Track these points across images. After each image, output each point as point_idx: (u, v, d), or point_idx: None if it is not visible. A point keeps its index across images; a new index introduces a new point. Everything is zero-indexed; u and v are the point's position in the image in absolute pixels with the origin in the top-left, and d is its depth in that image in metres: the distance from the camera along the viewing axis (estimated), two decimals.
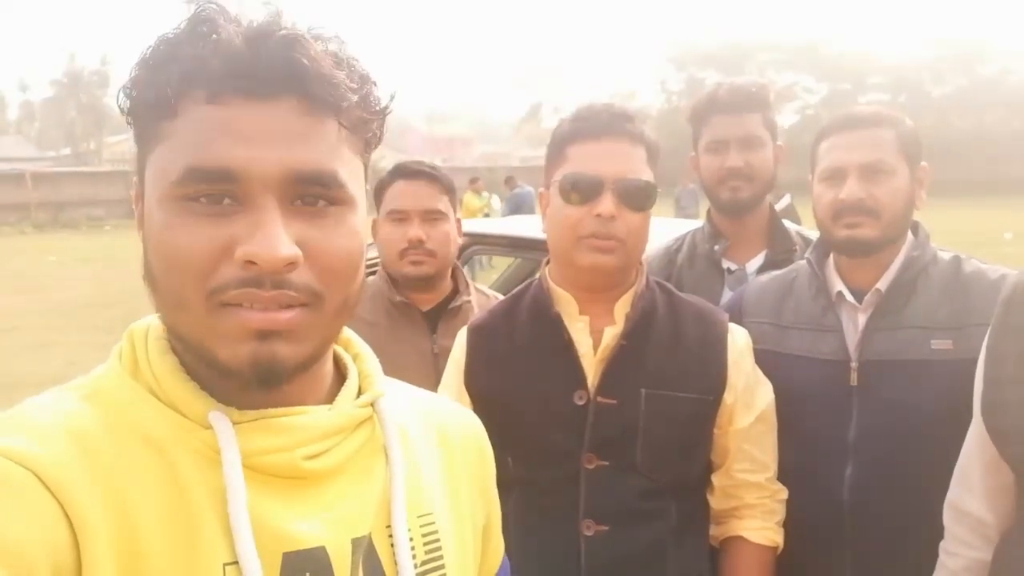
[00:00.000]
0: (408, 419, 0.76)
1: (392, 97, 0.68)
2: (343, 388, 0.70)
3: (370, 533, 0.67)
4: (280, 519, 0.61)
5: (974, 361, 1.33)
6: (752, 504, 1.37)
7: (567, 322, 1.31)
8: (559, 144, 1.32)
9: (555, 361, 1.30)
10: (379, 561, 0.67)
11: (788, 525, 1.44)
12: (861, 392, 1.40)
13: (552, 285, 1.35)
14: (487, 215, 12.34)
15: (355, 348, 0.76)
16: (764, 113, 1.83)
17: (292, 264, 0.58)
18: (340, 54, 0.63)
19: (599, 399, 1.27)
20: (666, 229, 2.48)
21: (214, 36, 0.59)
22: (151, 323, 0.68)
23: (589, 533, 1.25)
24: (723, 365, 1.33)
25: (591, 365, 1.29)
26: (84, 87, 47.38)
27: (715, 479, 1.38)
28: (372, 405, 0.71)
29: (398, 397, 0.77)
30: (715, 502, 1.38)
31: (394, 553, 0.67)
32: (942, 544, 1.28)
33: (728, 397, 1.33)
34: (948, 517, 1.27)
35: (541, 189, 1.39)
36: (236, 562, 0.58)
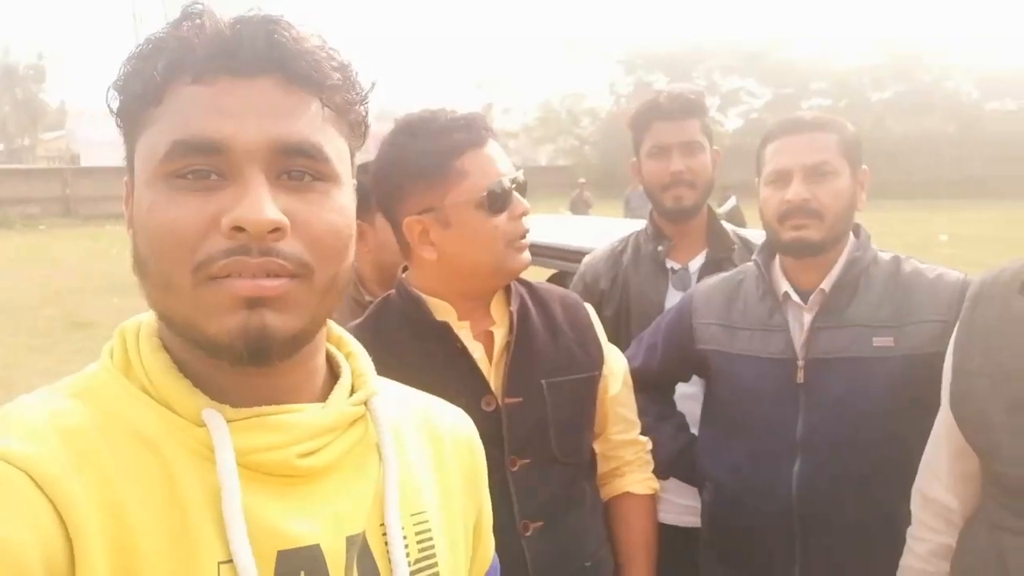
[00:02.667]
0: (400, 417, 0.77)
1: (373, 84, 0.69)
2: (336, 386, 0.71)
3: (364, 531, 0.67)
4: (274, 517, 0.61)
5: (915, 357, 1.38)
6: (630, 460, 1.44)
7: (455, 330, 1.28)
8: (455, 153, 1.25)
9: (452, 372, 1.25)
10: (373, 559, 0.67)
11: (740, 517, 1.47)
12: (807, 389, 1.43)
13: (423, 295, 1.30)
14: None
15: (348, 347, 0.77)
16: (702, 119, 1.91)
17: (279, 231, 0.58)
18: (321, 39, 0.65)
19: (507, 400, 1.27)
20: (610, 229, 2.51)
21: (198, 25, 0.61)
22: (142, 321, 0.68)
23: (528, 533, 1.26)
24: (598, 342, 1.40)
25: (488, 369, 1.28)
26: (19, 82, 45.87)
27: (596, 447, 1.43)
28: (365, 403, 0.72)
29: (390, 396, 0.78)
30: (598, 467, 1.44)
31: (388, 551, 0.68)
32: (909, 530, 1.33)
33: (605, 370, 1.39)
34: (915, 504, 1.32)
35: (413, 217, 1.29)
36: (231, 560, 0.58)
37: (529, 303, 1.38)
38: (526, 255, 1.29)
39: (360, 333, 1.34)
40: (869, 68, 43.03)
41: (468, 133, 1.24)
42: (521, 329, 1.32)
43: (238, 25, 0.61)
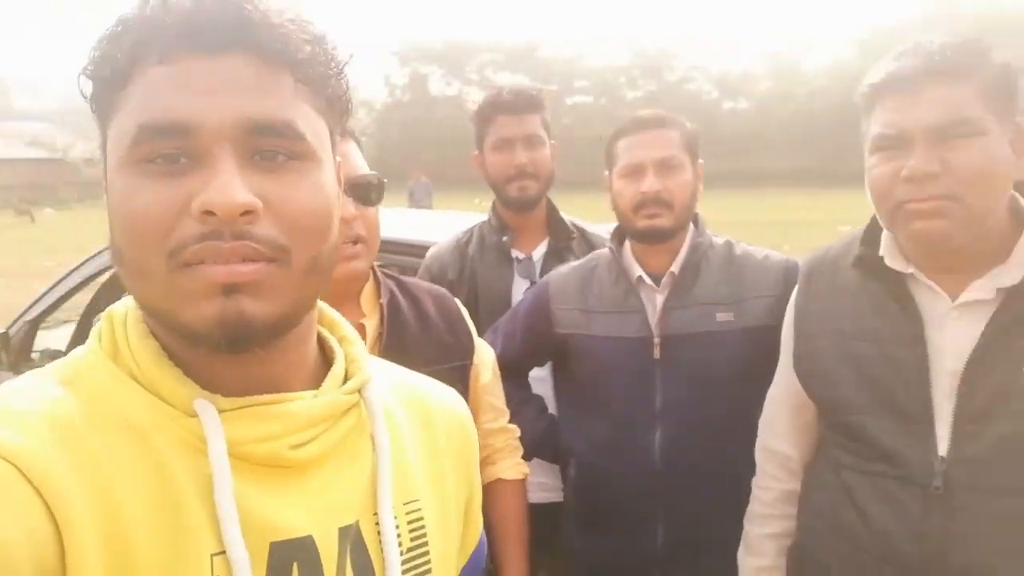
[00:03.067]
0: (393, 403, 0.76)
1: (351, 56, 0.66)
2: (330, 373, 0.69)
3: (357, 521, 0.67)
4: (267, 508, 0.61)
5: (752, 329, 1.56)
6: (500, 448, 1.49)
7: None
8: None
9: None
10: (366, 549, 0.67)
11: (607, 487, 1.57)
12: (663, 364, 1.57)
13: None
14: None
15: (341, 330, 0.75)
16: (542, 114, 2.00)
17: (250, 213, 0.56)
18: (293, 11, 0.62)
19: None
20: (452, 222, 2.54)
21: (163, 2, 0.58)
22: (130, 305, 0.66)
23: None
24: (468, 332, 1.44)
25: None
26: None
27: None
28: (359, 391, 0.70)
29: (383, 379, 0.76)
30: None
31: (381, 541, 0.67)
32: (754, 480, 1.49)
33: (475, 359, 1.44)
34: (759, 457, 1.48)
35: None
36: (223, 552, 0.58)
37: (399, 296, 1.39)
38: (353, 264, 1.25)
39: None
40: (624, 68, 46.57)
41: None
42: (392, 321, 1.33)
43: (204, 1, 0.58)
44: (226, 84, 0.58)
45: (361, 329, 1.30)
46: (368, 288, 1.35)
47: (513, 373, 1.73)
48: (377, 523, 0.68)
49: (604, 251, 1.72)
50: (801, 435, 1.43)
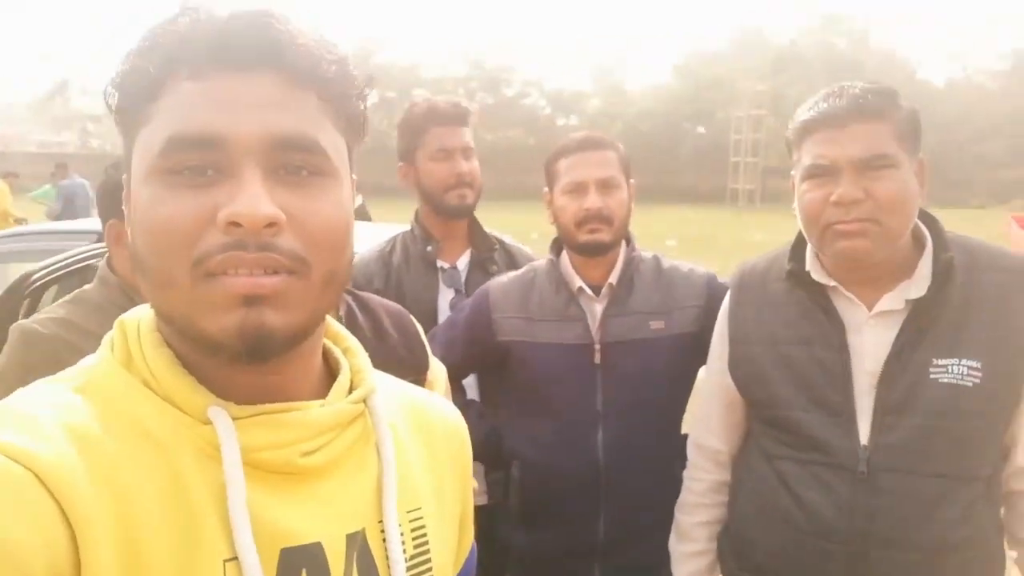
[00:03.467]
0: (395, 413, 0.78)
1: (371, 78, 0.69)
2: (335, 383, 0.71)
3: (364, 528, 0.68)
4: (278, 515, 0.62)
5: (680, 336, 1.71)
6: None
7: None
8: None
9: None
10: (372, 556, 0.68)
11: (553, 484, 1.66)
12: (604, 369, 1.68)
13: None
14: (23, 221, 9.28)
15: (345, 342, 0.77)
16: (471, 127, 2.05)
17: (274, 225, 0.58)
18: (318, 32, 0.65)
19: None
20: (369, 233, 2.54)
21: (195, 19, 0.61)
22: (141, 315, 0.67)
23: None
24: (423, 346, 1.50)
25: None
26: None
27: None
28: (364, 401, 0.72)
29: (385, 391, 0.78)
30: None
31: (386, 549, 0.69)
32: (686, 473, 1.62)
33: (429, 374, 1.49)
34: (691, 452, 1.62)
35: None
36: (235, 558, 0.59)
37: (355, 309, 1.42)
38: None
39: None
40: (462, 79, 47.14)
41: None
42: (352, 334, 1.34)
43: (234, 19, 0.61)
44: (254, 100, 0.60)
45: None
46: None
47: (452, 380, 1.78)
48: (382, 530, 0.69)
49: (540, 263, 1.81)
50: (730, 431, 1.59)
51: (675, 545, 1.65)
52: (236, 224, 0.57)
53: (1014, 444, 1.36)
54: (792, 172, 1.44)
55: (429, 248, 2.02)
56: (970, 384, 1.30)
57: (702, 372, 1.71)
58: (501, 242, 2.15)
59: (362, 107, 0.68)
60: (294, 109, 0.61)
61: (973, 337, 1.32)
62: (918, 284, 1.35)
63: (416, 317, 1.97)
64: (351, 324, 1.37)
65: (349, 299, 1.43)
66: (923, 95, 52.36)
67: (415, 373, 1.43)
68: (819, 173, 1.35)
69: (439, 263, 2.03)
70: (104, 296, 1.63)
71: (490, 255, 2.08)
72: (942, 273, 1.34)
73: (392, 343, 1.43)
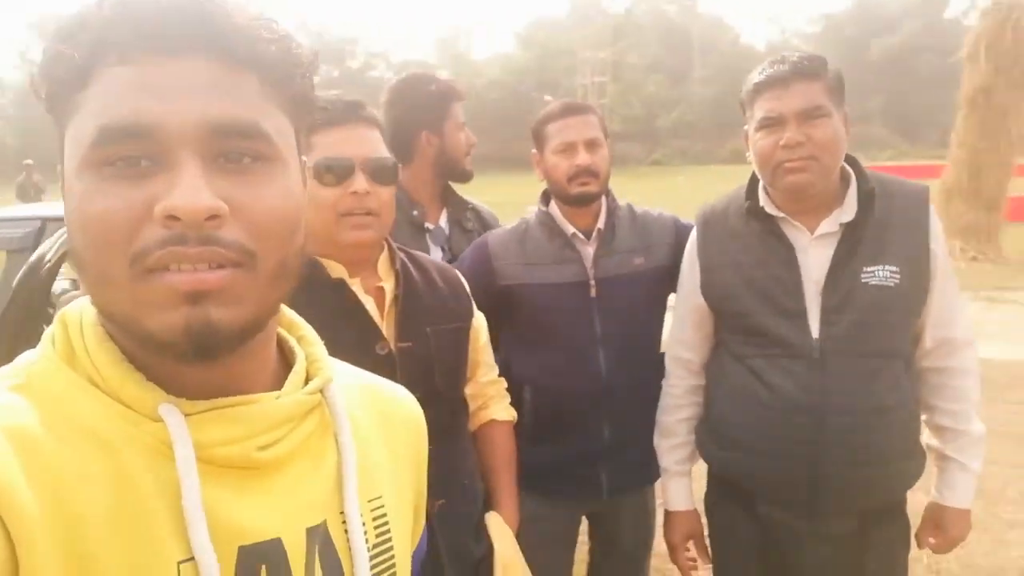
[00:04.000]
0: (353, 402, 0.76)
1: (316, 54, 0.66)
2: (291, 374, 0.69)
3: (325, 521, 0.67)
4: (234, 512, 0.60)
5: (657, 269, 2.06)
6: (493, 395, 1.77)
7: (350, 286, 1.47)
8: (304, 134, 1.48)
9: (348, 322, 1.44)
10: (334, 548, 0.67)
11: (561, 404, 1.96)
12: (599, 301, 2.00)
13: (317, 257, 1.46)
14: None
15: (299, 330, 0.74)
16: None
17: (216, 217, 0.55)
18: (258, 10, 0.62)
19: (399, 345, 1.48)
20: None
21: (123, 0, 0.57)
22: (83, 307, 0.64)
23: None
24: (468, 298, 1.68)
25: (379, 319, 1.48)
26: None
27: (467, 390, 1.69)
28: (321, 391, 0.70)
29: (343, 379, 0.77)
30: (468, 406, 1.72)
31: (348, 539, 0.68)
32: (664, 381, 1.98)
33: (474, 322, 1.68)
34: (669, 363, 1.97)
35: None
36: (191, 559, 0.57)
37: (409, 265, 1.60)
38: (357, 233, 1.43)
39: None
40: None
41: (332, 113, 1.43)
42: (407, 284, 1.54)
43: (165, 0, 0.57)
44: (189, 85, 0.56)
45: (380, 292, 1.51)
46: (383, 257, 1.56)
47: None
48: (344, 521, 0.68)
49: (530, 216, 2.10)
50: (701, 344, 1.95)
51: (659, 441, 2.01)
52: (174, 218, 0.54)
53: (922, 330, 1.79)
54: (744, 127, 1.81)
55: (415, 212, 2.24)
56: (892, 284, 1.72)
57: (671, 299, 2.07)
58: (468, 203, 2.41)
59: (309, 86, 0.66)
60: (232, 93, 0.58)
61: (891, 248, 1.73)
62: (847, 210, 1.75)
63: None
64: (407, 276, 1.54)
65: (403, 256, 1.59)
66: (747, 57, 56.19)
67: (462, 320, 1.63)
68: (769, 124, 1.72)
69: (426, 224, 2.26)
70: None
71: (464, 214, 2.34)
72: (865, 200, 1.74)
73: (442, 294, 1.60)
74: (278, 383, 0.68)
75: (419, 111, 2.25)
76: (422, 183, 2.29)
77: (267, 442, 0.63)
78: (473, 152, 2.33)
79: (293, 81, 0.63)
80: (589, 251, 2.03)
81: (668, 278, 2.03)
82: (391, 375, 1.40)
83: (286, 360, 0.71)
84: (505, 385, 1.83)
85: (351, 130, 1.43)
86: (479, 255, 2.06)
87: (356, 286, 1.48)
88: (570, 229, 2.04)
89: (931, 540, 1.89)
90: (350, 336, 1.43)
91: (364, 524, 0.70)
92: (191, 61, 0.57)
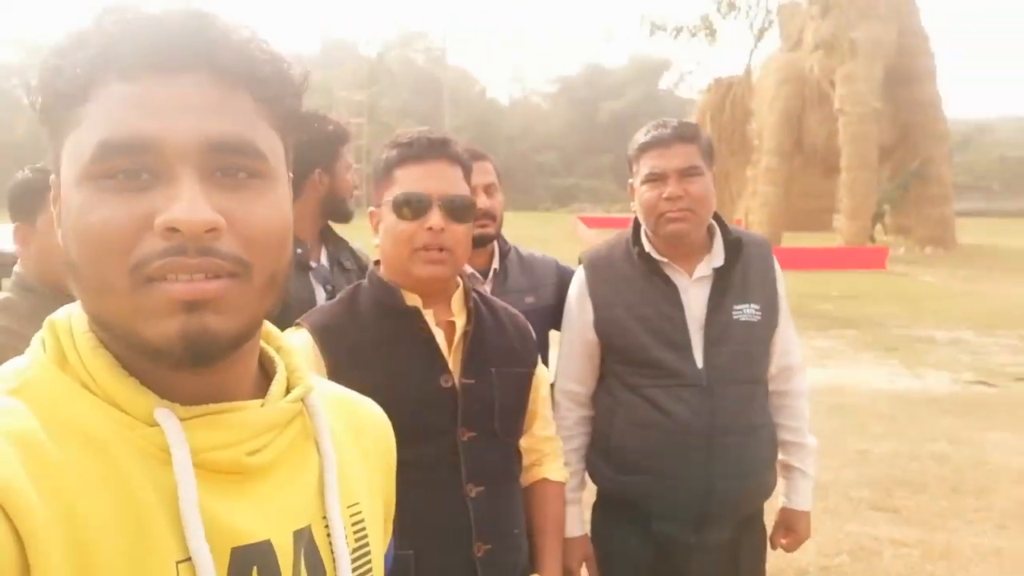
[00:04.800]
0: (330, 412, 0.78)
1: (307, 75, 0.68)
2: (273, 383, 0.70)
3: (309, 525, 0.69)
4: (227, 515, 0.62)
5: (544, 308, 2.18)
6: (548, 452, 1.76)
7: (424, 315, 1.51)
8: (388, 167, 1.52)
9: (417, 351, 1.49)
10: (318, 551, 0.69)
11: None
12: None
13: (395, 284, 1.52)
14: None
15: (278, 341, 0.76)
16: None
17: (214, 230, 0.57)
18: (251, 31, 0.63)
19: (463, 380, 1.51)
20: None
21: (122, 17, 0.59)
22: (71, 315, 0.65)
23: (472, 495, 1.50)
24: (534, 343, 1.71)
25: (447, 352, 1.52)
26: None
27: (522, 442, 1.68)
28: (302, 400, 0.73)
29: (319, 390, 0.79)
30: (523, 459, 1.71)
31: (330, 543, 0.70)
32: (554, 412, 2.07)
33: (537, 371, 1.70)
34: (558, 395, 2.08)
35: (371, 208, 1.57)
36: (188, 559, 0.58)
37: (481, 304, 1.61)
38: (430, 268, 1.47)
39: (335, 313, 1.40)
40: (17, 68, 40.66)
41: (416, 149, 1.47)
42: (478, 322, 1.56)
43: (165, 19, 0.59)
44: (188, 103, 0.58)
45: (451, 326, 1.54)
46: (458, 293, 1.57)
47: None
48: (326, 526, 0.70)
49: None
50: (589, 377, 2.10)
51: None
52: (174, 230, 0.56)
53: (770, 359, 2.09)
54: (630, 181, 2.02)
55: (299, 250, 2.16)
56: (756, 320, 2.00)
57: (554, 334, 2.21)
58: (348, 243, 2.39)
59: (298, 105, 0.68)
60: (229, 111, 0.60)
61: (753, 289, 2.02)
62: (716, 257, 2.01)
63: (299, 313, 2.12)
64: (479, 313, 1.57)
65: (476, 295, 1.61)
66: (493, 110, 59.55)
67: (526, 366, 1.64)
68: (654, 179, 1.94)
69: (311, 263, 2.21)
70: (32, 303, 1.55)
71: (343, 252, 2.32)
72: (732, 248, 2.01)
73: (510, 337, 1.63)
74: (259, 391, 0.70)
75: (315, 150, 2.20)
76: (307, 221, 2.23)
77: (255, 448, 0.65)
78: (355, 194, 2.32)
79: (284, 100, 0.65)
80: (486, 290, 2.11)
81: (552, 316, 2.17)
82: (452, 410, 1.46)
83: (264, 370, 0.73)
84: (561, 444, 1.82)
85: (431, 167, 1.47)
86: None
87: (429, 317, 1.49)
88: (468, 269, 2.11)
89: (783, 541, 2.18)
90: (417, 364, 1.47)
91: (344, 528, 0.71)
92: (190, 79, 0.58)
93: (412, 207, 1.46)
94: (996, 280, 16.04)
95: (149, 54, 0.57)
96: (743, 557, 2.05)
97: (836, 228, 19.95)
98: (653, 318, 1.98)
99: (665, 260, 2.00)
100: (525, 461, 1.72)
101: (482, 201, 2.05)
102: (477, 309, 1.59)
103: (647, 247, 2.01)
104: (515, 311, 1.76)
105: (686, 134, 1.95)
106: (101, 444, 0.58)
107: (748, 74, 16.09)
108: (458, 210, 1.49)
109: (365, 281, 1.59)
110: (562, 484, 1.78)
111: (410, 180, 1.47)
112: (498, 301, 1.75)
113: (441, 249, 1.46)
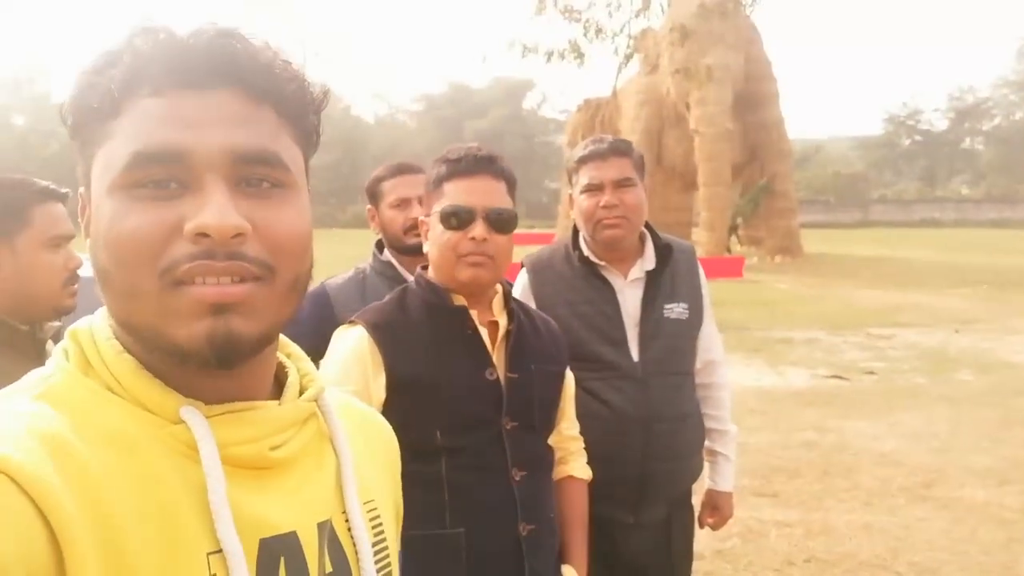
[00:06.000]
0: (341, 414, 0.81)
1: (327, 94, 0.71)
2: (287, 384, 0.73)
3: (331, 518, 0.71)
4: (254, 507, 0.64)
5: None
6: (573, 451, 1.87)
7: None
8: (438, 181, 1.63)
9: (463, 347, 1.61)
10: (340, 544, 0.71)
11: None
12: None
13: (442, 286, 1.64)
14: None
15: (288, 347, 0.78)
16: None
17: (241, 235, 0.60)
18: (276, 50, 0.67)
19: (508, 374, 1.64)
20: None
21: (153, 37, 0.62)
22: (92, 325, 0.68)
23: (517, 479, 1.61)
24: (565, 347, 1.84)
25: (491, 349, 1.64)
26: None
27: (550, 439, 1.79)
28: (316, 400, 0.75)
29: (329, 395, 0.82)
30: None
31: (352, 537, 0.72)
32: None
33: (567, 372, 1.82)
34: None
35: (422, 217, 1.70)
36: (218, 551, 0.60)
37: (519, 311, 1.73)
38: (479, 270, 1.59)
39: (387, 311, 1.58)
40: None
41: (465, 164, 1.60)
42: (519, 322, 1.69)
43: (194, 38, 0.62)
44: (217, 117, 0.61)
45: (494, 326, 1.67)
46: (498, 297, 1.70)
47: None
48: (346, 519, 0.72)
49: (365, 265, 2.20)
50: None
51: None
52: (204, 235, 0.58)
53: (696, 353, 2.31)
54: (569, 192, 2.19)
55: None
56: (684, 318, 2.20)
57: None
58: None
59: (317, 121, 0.71)
60: (255, 125, 0.63)
61: (681, 289, 2.23)
62: (648, 261, 2.21)
63: None
64: (519, 316, 1.70)
65: (515, 304, 1.73)
66: (359, 128, 58.78)
67: (559, 365, 1.78)
68: (591, 189, 2.12)
69: None
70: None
71: None
72: (662, 253, 2.21)
73: (544, 339, 1.76)
74: (275, 395, 0.73)
75: None
76: None
77: (277, 443, 0.67)
78: None
79: (306, 116, 0.69)
80: None
81: None
82: (497, 401, 1.61)
83: (276, 375, 0.76)
84: (583, 444, 1.90)
85: (478, 181, 1.58)
86: (321, 306, 2.14)
87: (473, 316, 1.62)
88: (409, 276, 2.19)
89: (709, 520, 2.39)
90: (464, 359, 1.59)
91: (364, 521, 0.74)
92: (217, 94, 0.62)
93: (459, 218, 1.58)
94: (840, 285, 17.49)
95: (180, 71, 0.61)
96: (675, 534, 2.24)
97: (695, 240, 21.18)
98: (592, 315, 2.14)
99: (602, 263, 2.17)
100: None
101: (416, 211, 2.15)
102: (518, 311, 1.73)
103: (586, 251, 2.18)
104: (547, 317, 1.90)
105: (621, 148, 2.14)
106: (129, 443, 0.60)
107: (615, 95, 16.90)
108: (501, 221, 1.61)
109: (412, 283, 1.70)
110: (585, 481, 1.88)
111: (457, 193, 1.59)
112: (533, 309, 1.89)
113: (484, 255, 1.59)
